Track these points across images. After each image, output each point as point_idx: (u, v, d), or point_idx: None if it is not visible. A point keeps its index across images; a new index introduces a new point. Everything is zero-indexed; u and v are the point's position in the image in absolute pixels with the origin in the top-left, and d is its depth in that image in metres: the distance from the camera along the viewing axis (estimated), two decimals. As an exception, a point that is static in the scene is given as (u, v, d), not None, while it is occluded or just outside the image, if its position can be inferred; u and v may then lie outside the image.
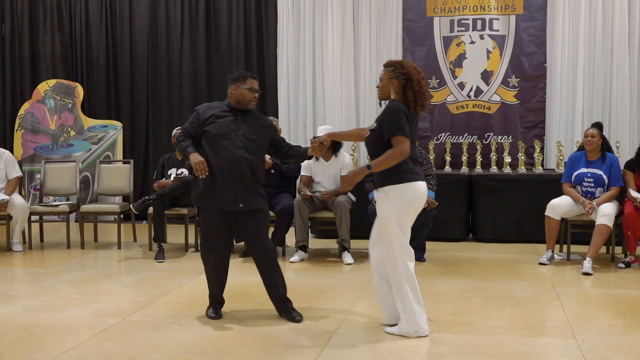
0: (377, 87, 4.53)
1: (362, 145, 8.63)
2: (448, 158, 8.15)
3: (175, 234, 7.95)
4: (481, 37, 8.46)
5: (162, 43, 9.50)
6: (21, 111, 9.58)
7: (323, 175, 7.01)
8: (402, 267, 4.39)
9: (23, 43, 9.84)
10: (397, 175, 4.30)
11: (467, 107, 8.56)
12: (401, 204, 4.31)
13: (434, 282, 5.96)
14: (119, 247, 7.59)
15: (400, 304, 4.42)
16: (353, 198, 6.99)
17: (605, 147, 6.70)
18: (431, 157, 7.81)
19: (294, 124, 9.02)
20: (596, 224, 6.38)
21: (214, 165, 4.69)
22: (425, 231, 6.75)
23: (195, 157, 4.64)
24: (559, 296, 5.42)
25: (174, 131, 7.43)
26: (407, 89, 4.34)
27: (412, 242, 6.73)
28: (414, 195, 4.34)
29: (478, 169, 8.03)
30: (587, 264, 6.21)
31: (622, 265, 6.46)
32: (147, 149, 9.63)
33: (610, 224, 6.37)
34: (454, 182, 7.80)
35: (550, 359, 4.09)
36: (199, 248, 5.23)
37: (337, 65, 8.84)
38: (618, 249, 6.86)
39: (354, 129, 4.92)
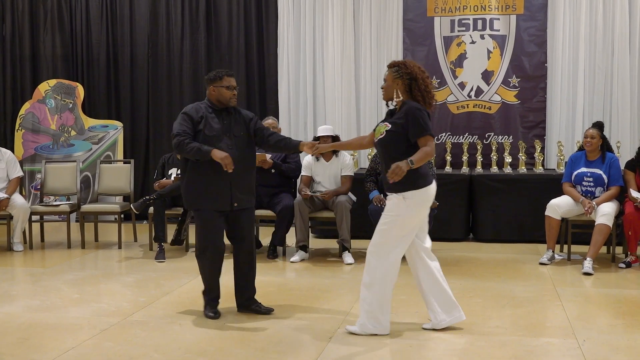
0: (382, 88, 4.54)
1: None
2: (448, 158, 8.15)
3: (175, 234, 7.95)
4: (482, 37, 8.46)
5: (163, 43, 9.51)
6: (22, 111, 9.58)
7: (324, 175, 7.01)
8: (393, 265, 4.45)
9: (24, 43, 9.84)
10: (419, 179, 4.33)
11: (467, 107, 8.56)
12: (419, 207, 4.38)
13: (435, 282, 5.95)
14: (120, 247, 7.59)
15: (369, 296, 4.44)
16: (353, 198, 6.99)
17: (606, 147, 6.69)
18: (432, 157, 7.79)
19: (295, 124, 9.02)
20: (596, 223, 6.38)
21: (210, 167, 4.69)
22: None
23: (220, 153, 4.59)
24: (560, 296, 5.41)
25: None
26: (413, 89, 4.38)
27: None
28: (431, 196, 4.45)
29: (478, 168, 8.03)
30: (588, 264, 6.21)
31: (622, 265, 6.45)
32: (147, 149, 9.63)
33: (610, 223, 6.37)
34: (455, 182, 7.80)
35: (550, 359, 4.09)
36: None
37: (338, 64, 8.84)
38: (619, 249, 6.86)
39: (355, 138, 4.95)
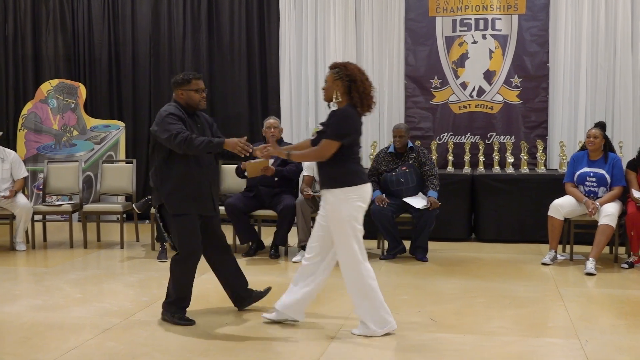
0: (323, 89, 4.59)
1: (365, 144, 8.63)
2: (450, 158, 8.14)
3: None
4: (483, 36, 8.45)
5: (165, 43, 9.51)
6: (24, 111, 9.58)
7: (326, 175, 6.99)
8: (363, 267, 4.46)
9: (26, 43, 9.84)
10: (349, 177, 4.39)
11: (469, 107, 8.55)
12: (351, 206, 4.38)
13: (437, 282, 5.96)
14: (122, 247, 7.59)
15: (365, 302, 4.43)
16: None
17: (608, 147, 6.69)
18: (434, 157, 7.80)
19: (296, 124, 9.01)
20: (599, 224, 6.37)
21: (196, 172, 4.67)
22: (428, 231, 6.75)
23: (232, 140, 4.53)
24: (562, 296, 5.41)
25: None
26: (352, 91, 4.44)
27: (415, 242, 6.84)
28: (366, 195, 4.46)
29: (480, 169, 8.02)
30: (590, 264, 6.21)
31: (625, 265, 6.45)
32: (149, 149, 9.61)
33: (613, 224, 6.36)
34: (457, 182, 7.80)
35: (553, 359, 4.09)
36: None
37: (340, 64, 8.82)
38: (621, 249, 6.84)
39: (303, 141, 4.96)
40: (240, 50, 9.26)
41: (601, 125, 6.72)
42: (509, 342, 4.34)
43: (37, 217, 7.79)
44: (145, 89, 9.60)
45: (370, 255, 6.92)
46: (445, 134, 8.55)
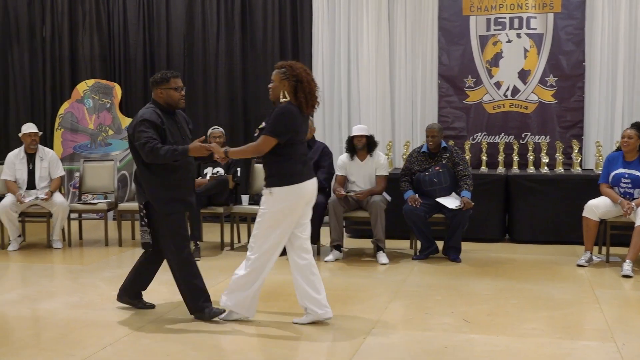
0: (269, 88, 4.67)
1: (398, 144, 8.62)
2: (484, 158, 8.08)
3: (211, 233, 8.00)
4: (518, 35, 8.38)
5: (198, 43, 9.58)
6: (61, 110, 9.74)
7: (358, 174, 7.00)
8: (265, 256, 4.59)
9: (63, 44, 10.00)
10: (287, 176, 4.50)
11: (503, 107, 8.48)
12: (282, 204, 4.49)
13: (470, 282, 5.92)
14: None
15: (242, 279, 4.61)
16: (388, 198, 6.97)
17: (644, 147, 6.58)
18: (467, 157, 7.75)
19: (329, 124, 9.01)
20: (635, 225, 6.27)
21: (178, 171, 4.74)
22: (461, 231, 6.71)
23: (195, 146, 4.59)
24: (598, 299, 5.33)
25: (210, 130, 7.51)
26: (298, 91, 4.53)
27: (448, 243, 6.80)
28: (299, 197, 4.53)
29: (515, 169, 7.95)
30: (627, 266, 6.11)
31: (662, 267, 6.34)
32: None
33: (651, 225, 6.25)
34: (490, 182, 7.73)
35: (588, 362, 4.04)
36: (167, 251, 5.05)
37: (372, 64, 8.82)
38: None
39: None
40: (273, 50, 9.29)
41: (637, 126, 6.60)
42: (542, 345, 4.29)
43: (73, 216, 7.90)
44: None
45: (403, 256, 6.97)
46: (479, 133, 8.49)
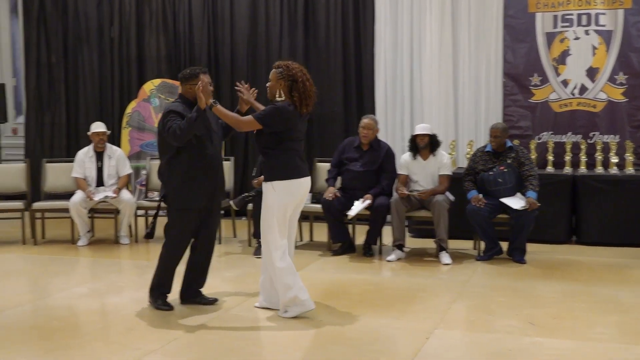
0: (267, 86, 4.86)
1: (461, 143, 8.51)
2: (550, 158, 7.91)
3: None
4: (586, 32, 8.17)
5: (262, 43, 9.66)
6: (128, 109, 9.96)
7: (421, 174, 6.96)
8: (270, 248, 4.76)
9: (130, 44, 10.23)
10: (285, 171, 4.72)
11: (570, 105, 8.28)
12: (284, 197, 4.71)
13: (535, 285, 5.80)
14: (219, 242, 7.74)
15: (279, 286, 4.78)
16: (451, 197, 6.90)
17: None
18: (533, 157, 7.61)
19: (391, 122, 8.97)
20: None
21: (201, 167, 4.85)
22: (526, 232, 6.59)
23: (199, 95, 4.65)
24: (670, 303, 5.17)
25: None
26: (293, 90, 4.71)
27: (512, 244, 6.69)
28: (299, 191, 4.78)
29: (582, 169, 7.76)
30: (701, 270, 5.90)
31: None
32: (246, 147, 9.81)
33: None
34: (557, 183, 7.57)
35: (660, 369, 3.92)
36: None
37: (435, 62, 8.73)
38: None
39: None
40: (336, 49, 9.30)
41: None
42: (611, 350, 4.18)
43: (139, 212, 8.07)
44: (243, 88, 9.77)
45: (466, 256, 6.89)
46: (545, 133, 8.31)
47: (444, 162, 6.92)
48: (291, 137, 4.76)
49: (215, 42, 9.90)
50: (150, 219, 5.20)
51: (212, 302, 5.18)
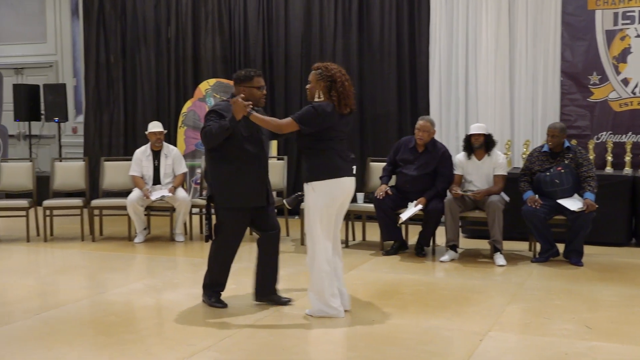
0: (306, 88, 4.90)
1: (517, 143, 8.38)
2: (609, 158, 7.73)
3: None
4: (648, 29, 7.97)
5: (316, 43, 9.68)
6: (184, 109, 10.11)
7: (476, 174, 6.88)
8: (315, 250, 4.74)
9: (186, 44, 10.39)
10: (324, 171, 4.70)
11: (631, 105, 8.08)
12: (325, 198, 4.68)
13: (593, 287, 5.68)
14: (272, 241, 7.82)
15: (311, 278, 4.80)
16: (506, 198, 6.80)
17: None
18: (591, 157, 7.45)
19: (446, 122, 8.88)
20: None
21: (250, 168, 4.89)
22: (584, 234, 6.45)
23: (236, 106, 4.68)
24: None
25: None
26: (332, 90, 4.73)
27: (569, 246, 6.56)
28: (340, 191, 4.75)
29: (643, 170, 7.57)
30: None
31: None
32: None
33: None
34: (616, 184, 7.39)
35: None
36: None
37: (491, 61, 8.61)
38: None
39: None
40: (390, 49, 9.26)
41: None
42: (673, 356, 4.07)
43: (194, 210, 8.19)
44: (297, 89, 9.82)
45: (521, 258, 6.78)
46: (604, 133, 8.12)
47: (499, 162, 6.83)
48: (330, 137, 4.76)
49: (270, 43, 9.96)
50: (205, 222, 5.23)
51: (285, 302, 5.16)
